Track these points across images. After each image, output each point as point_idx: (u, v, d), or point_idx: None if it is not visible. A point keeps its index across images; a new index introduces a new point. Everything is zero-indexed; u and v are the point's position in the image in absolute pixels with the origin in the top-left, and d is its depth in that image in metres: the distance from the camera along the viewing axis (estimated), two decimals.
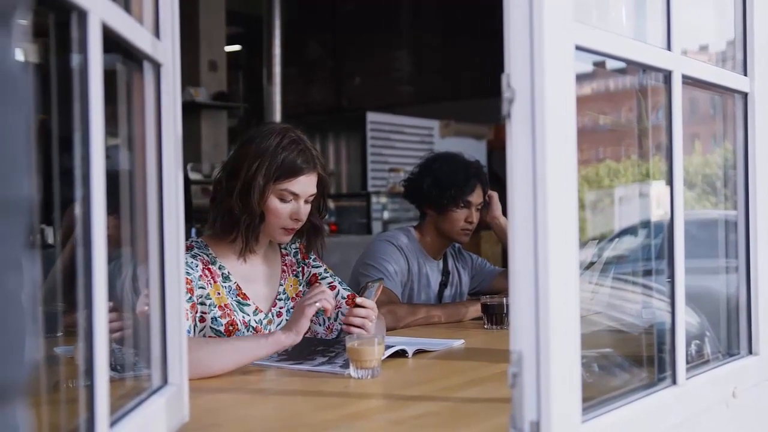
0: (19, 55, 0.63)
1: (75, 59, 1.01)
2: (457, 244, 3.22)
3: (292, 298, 2.39)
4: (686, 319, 1.60)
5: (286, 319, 2.32)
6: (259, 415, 1.66)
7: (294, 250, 2.45)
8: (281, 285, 2.38)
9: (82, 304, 1.01)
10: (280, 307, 2.36)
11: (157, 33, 1.36)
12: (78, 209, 1.01)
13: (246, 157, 2.21)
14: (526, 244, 1.19)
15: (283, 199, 2.22)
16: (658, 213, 2.04)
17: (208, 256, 2.25)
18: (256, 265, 2.33)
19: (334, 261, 6.07)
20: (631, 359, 1.75)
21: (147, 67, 1.34)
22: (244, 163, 2.20)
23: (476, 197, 3.04)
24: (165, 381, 1.39)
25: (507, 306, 2.70)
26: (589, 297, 1.91)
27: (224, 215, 2.23)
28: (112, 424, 1.09)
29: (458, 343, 2.38)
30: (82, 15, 1.00)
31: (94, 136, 1.01)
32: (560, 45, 1.21)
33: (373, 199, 7.55)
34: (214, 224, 2.26)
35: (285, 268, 2.41)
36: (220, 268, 2.25)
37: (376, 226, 7.40)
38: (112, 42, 1.11)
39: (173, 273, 1.40)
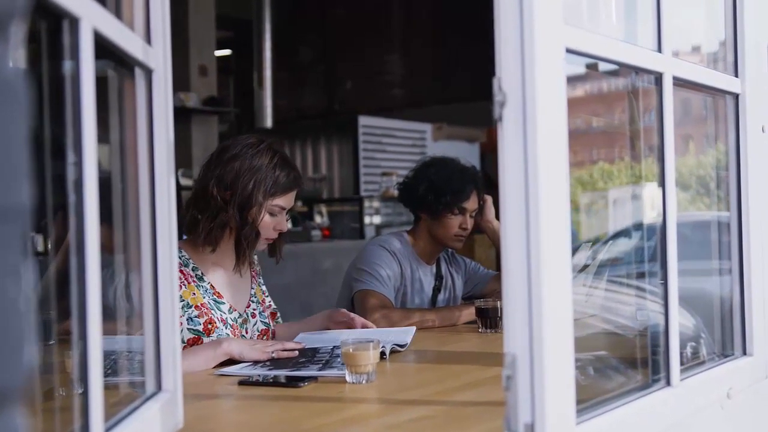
0: (17, 62, 0.63)
1: (66, 65, 1.01)
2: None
3: (261, 302, 2.50)
4: (682, 321, 1.61)
5: (261, 321, 2.46)
6: (253, 422, 1.65)
7: (256, 261, 2.58)
8: (252, 289, 2.49)
9: (76, 312, 1.00)
10: (253, 309, 2.46)
11: (148, 39, 1.36)
12: (71, 216, 1.01)
13: (239, 172, 2.28)
14: (519, 247, 1.19)
15: (272, 214, 2.34)
16: (651, 215, 2.04)
17: (180, 258, 2.29)
18: (229, 269, 2.40)
19: (327, 266, 6.08)
20: (626, 361, 1.75)
21: (138, 73, 1.34)
22: (239, 179, 2.28)
23: (471, 204, 3.03)
24: (159, 387, 1.38)
25: (501, 309, 2.70)
26: (583, 300, 1.91)
27: (219, 227, 2.29)
28: (107, 430, 1.08)
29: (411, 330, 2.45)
30: (74, 22, 1.00)
31: (87, 142, 1.01)
32: (551, 48, 1.22)
33: (366, 203, 7.52)
34: (208, 234, 2.29)
35: (254, 274, 2.53)
36: (193, 270, 2.33)
37: (369, 231, 7.38)
38: (103, 48, 1.11)
39: (166, 280, 1.40)
